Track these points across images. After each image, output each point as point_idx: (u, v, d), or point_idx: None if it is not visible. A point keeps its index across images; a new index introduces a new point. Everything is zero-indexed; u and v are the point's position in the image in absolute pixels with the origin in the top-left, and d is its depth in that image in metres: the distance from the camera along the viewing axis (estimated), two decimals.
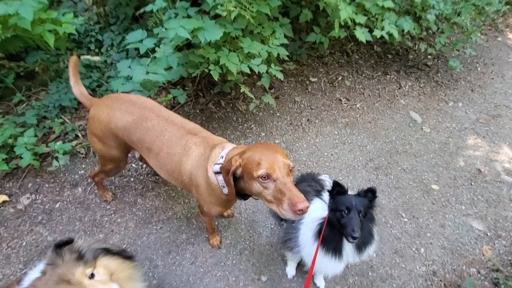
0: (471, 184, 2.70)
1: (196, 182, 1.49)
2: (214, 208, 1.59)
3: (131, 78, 1.73)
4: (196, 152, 1.48)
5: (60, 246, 1.22)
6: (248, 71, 2.06)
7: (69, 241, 1.25)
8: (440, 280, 2.07)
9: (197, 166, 1.47)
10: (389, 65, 3.85)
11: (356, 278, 2.03)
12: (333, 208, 1.52)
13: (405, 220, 2.39)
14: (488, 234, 2.36)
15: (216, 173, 1.38)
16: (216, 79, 2.07)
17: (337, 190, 1.53)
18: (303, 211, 1.13)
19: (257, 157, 1.22)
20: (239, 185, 1.34)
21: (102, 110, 1.63)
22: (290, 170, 1.23)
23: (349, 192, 1.55)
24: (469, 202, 2.57)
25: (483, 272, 2.14)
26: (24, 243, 1.99)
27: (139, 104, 1.62)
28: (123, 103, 1.62)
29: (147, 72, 1.68)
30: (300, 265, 2.01)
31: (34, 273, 1.20)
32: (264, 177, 1.19)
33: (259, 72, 2.22)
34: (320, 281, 1.96)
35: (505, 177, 2.78)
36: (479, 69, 4.08)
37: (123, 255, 1.34)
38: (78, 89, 1.79)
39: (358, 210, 1.45)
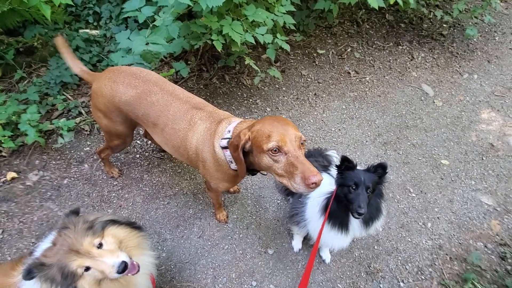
0: (482, 159, 2.64)
1: (203, 157, 1.47)
2: (222, 184, 1.57)
3: (130, 50, 1.66)
4: (202, 127, 1.44)
5: (71, 213, 1.24)
6: (253, 41, 1.95)
7: (77, 211, 1.27)
8: (446, 254, 2.08)
9: (203, 141, 1.44)
10: (402, 35, 3.65)
11: (362, 251, 2.05)
12: (341, 183, 1.49)
13: (413, 195, 2.37)
14: (498, 209, 2.33)
15: (223, 148, 1.34)
16: (219, 51, 1.98)
17: (346, 165, 1.49)
18: (316, 184, 1.10)
19: (267, 129, 1.17)
20: (247, 160, 1.31)
21: (105, 84, 1.58)
22: (302, 143, 1.19)
23: (358, 168, 1.52)
24: (479, 177, 2.52)
25: (490, 246, 2.14)
26: (35, 218, 2.03)
27: (143, 77, 1.56)
28: (126, 76, 1.56)
29: (147, 43, 1.60)
30: (306, 239, 2.03)
31: (45, 244, 1.23)
32: (275, 150, 1.15)
33: (264, 44, 2.11)
34: (326, 254, 1.98)
35: None
36: (497, 38, 3.84)
37: (131, 226, 1.35)
38: (77, 66, 1.73)
39: (366, 186, 1.42)
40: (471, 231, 2.21)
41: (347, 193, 1.45)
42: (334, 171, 1.59)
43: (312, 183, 1.09)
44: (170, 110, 1.48)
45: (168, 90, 1.52)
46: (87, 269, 1.15)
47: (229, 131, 1.35)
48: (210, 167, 1.47)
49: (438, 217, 2.26)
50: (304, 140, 1.21)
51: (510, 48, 3.71)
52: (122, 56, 1.82)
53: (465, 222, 2.25)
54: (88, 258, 1.14)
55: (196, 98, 1.57)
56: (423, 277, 1.97)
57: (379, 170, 1.48)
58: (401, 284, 1.93)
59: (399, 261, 2.03)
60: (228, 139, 1.32)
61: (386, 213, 2.18)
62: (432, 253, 2.08)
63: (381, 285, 1.92)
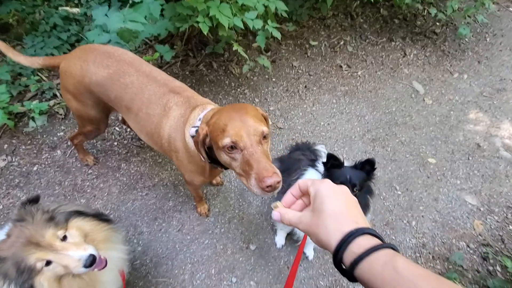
0: (469, 159, 2.63)
1: (175, 146, 1.35)
2: (196, 177, 1.45)
3: (107, 27, 1.52)
4: (176, 113, 1.32)
5: (28, 203, 1.12)
6: (242, 26, 1.84)
7: (36, 199, 1.15)
8: (429, 253, 2.07)
9: (176, 128, 1.32)
10: (395, 30, 3.59)
11: None
12: None
13: (399, 193, 2.34)
14: (481, 209, 2.33)
15: (193, 136, 1.23)
16: (206, 34, 1.86)
17: (332, 163, 1.43)
18: (272, 188, 0.92)
19: (222, 122, 1.01)
20: (213, 155, 1.17)
21: (75, 63, 1.44)
22: (264, 137, 1.02)
23: (346, 164, 1.46)
24: (465, 177, 2.51)
25: (472, 246, 2.14)
26: (1, 207, 1.89)
27: (116, 56, 1.43)
28: (98, 55, 1.42)
29: (125, 20, 1.47)
30: (289, 235, 1.96)
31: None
32: (231, 147, 1.00)
33: (254, 30, 2.00)
34: (309, 251, 1.93)
35: (504, 153, 2.71)
36: (488, 39, 3.84)
37: (99, 217, 1.25)
38: (35, 61, 1.58)
39: (352, 185, 1.37)
40: (454, 231, 2.20)
41: None
42: (321, 166, 1.53)
43: (267, 186, 0.91)
44: (145, 93, 1.36)
45: (144, 71, 1.40)
46: (48, 263, 1.04)
47: (199, 119, 1.21)
48: (183, 158, 1.35)
49: (422, 216, 2.24)
50: (267, 134, 1.03)
51: (500, 50, 3.71)
52: (99, 34, 1.68)
53: (449, 221, 2.24)
54: (50, 251, 1.03)
55: (176, 81, 1.45)
56: None
57: (367, 167, 1.43)
58: None
59: None
60: (197, 128, 1.19)
61: (372, 210, 2.14)
62: (416, 252, 2.06)
63: None
